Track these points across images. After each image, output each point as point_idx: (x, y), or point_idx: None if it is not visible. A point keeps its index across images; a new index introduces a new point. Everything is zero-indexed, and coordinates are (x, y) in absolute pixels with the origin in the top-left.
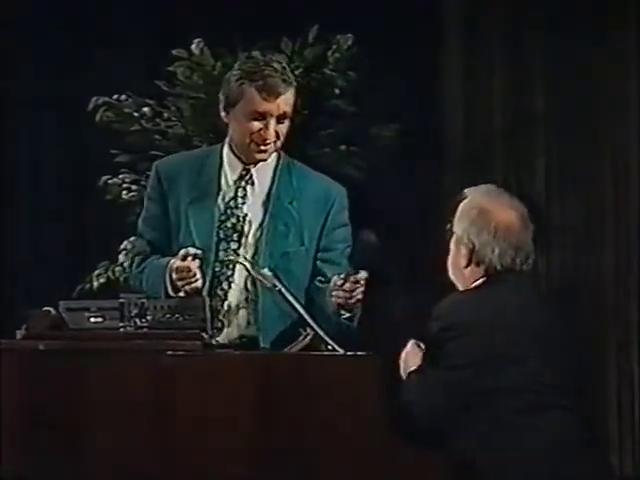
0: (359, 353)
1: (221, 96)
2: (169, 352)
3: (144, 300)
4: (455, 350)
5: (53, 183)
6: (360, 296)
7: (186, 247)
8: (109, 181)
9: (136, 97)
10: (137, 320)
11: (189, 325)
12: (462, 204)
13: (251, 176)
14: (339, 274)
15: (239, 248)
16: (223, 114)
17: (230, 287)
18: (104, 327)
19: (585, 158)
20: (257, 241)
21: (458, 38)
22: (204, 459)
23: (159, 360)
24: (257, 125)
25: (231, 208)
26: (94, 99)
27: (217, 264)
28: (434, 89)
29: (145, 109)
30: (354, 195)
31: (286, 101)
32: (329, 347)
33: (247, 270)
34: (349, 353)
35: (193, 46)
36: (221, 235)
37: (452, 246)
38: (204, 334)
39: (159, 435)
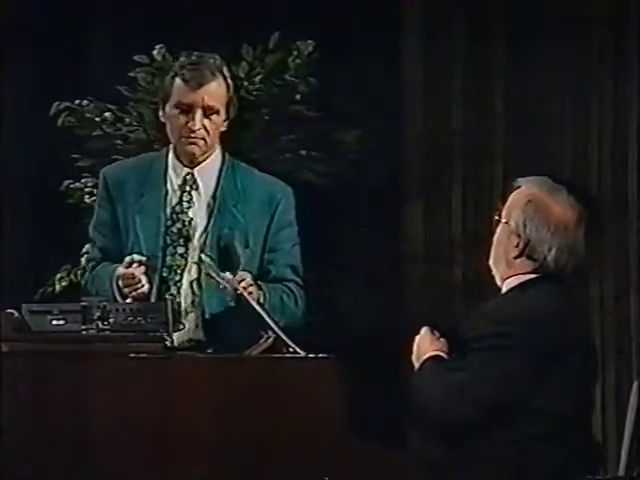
0: (320, 355)
1: (159, 97)
2: (131, 354)
3: (106, 303)
4: (502, 359)
5: (16, 186)
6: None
7: (132, 254)
8: (71, 185)
9: (98, 102)
10: (99, 323)
11: (151, 328)
12: (516, 193)
13: (195, 180)
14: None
15: (186, 252)
16: (161, 114)
17: (179, 292)
18: (66, 330)
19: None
20: (202, 245)
21: (418, 40)
22: (167, 462)
23: (121, 362)
24: (184, 118)
25: (177, 213)
26: (56, 104)
27: (165, 269)
28: (395, 93)
29: (107, 114)
30: (314, 199)
31: (212, 93)
32: (290, 349)
33: (209, 274)
34: (310, 355)
35: (155, 52)
36: (168, 240)
37: (501, 235)
38: (166, 337)
39: (121, 437)
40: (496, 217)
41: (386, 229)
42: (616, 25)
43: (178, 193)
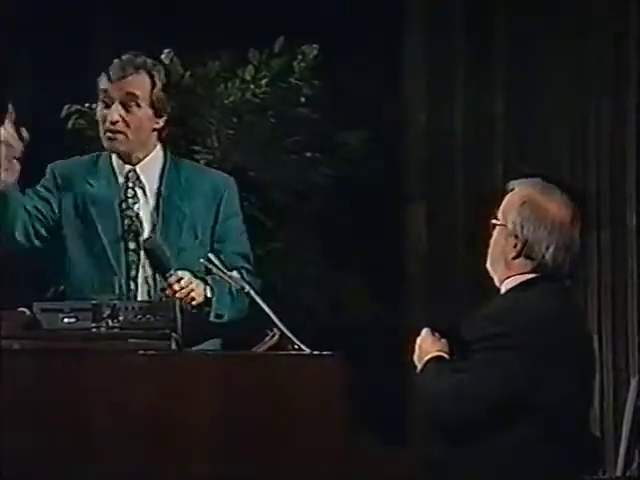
0: (324, 352)
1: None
2: (140, 352)
3: (116, 302)
4: (504, 359)
5: (25, 187)
6: (183, 295)
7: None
8: None
9: None
10: (109, 321)
11: (159, 326)
12: (510, 196)
13: (138, 177)
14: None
15: (138, 247)
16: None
17: (137, 287)
18: (77, 327)
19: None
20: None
21: (420, 42)
22: (175, 458)
23: (130, 360)
24: (105, 111)
25: (124, 210)
26: (66, 107)
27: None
28: (398, 95)
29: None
30: (319, 199)
31: (131, 84)
32: (295, 346)
33: (212, 272)
34: (315, 352)
35: (163, 56)
36: (124, 236)
37: (498, 238)
38: (174, 334)
39: (129, 433)
40: (492, 221)
41: (388, 229)
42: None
43: (123, 190)
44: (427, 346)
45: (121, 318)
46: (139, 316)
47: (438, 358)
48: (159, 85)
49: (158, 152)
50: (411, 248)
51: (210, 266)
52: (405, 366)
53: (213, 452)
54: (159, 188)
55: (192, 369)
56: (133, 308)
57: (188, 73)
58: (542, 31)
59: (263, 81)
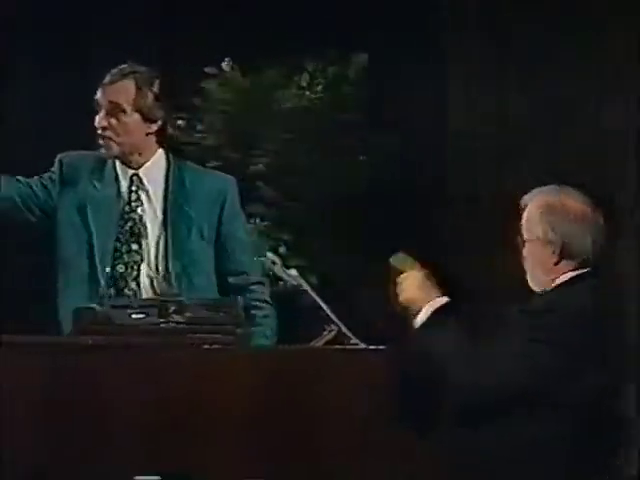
0: (378, 347)
1: None
2: (205, 346)
3: (182, 298)
4: (541, 352)
5: None
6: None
7: (80, 242)
8: None
9: (173, 112)
10: (175, 316)
11: (224, 321)
12: (528, 211)
13: (141, 180)
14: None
15: (140, 249)
16: None
17: (139, 287)
18: (145, 323)
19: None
20: (158, 243)
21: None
22: (234, 449)
23: (195, 354)
24: (96, 118)
25: (127, 212)
26: None
27: (121, 266)
28: (442, 102)
29: (180, 122)
30: (370, 201)
31: (114, 92)
32: (352, 342)
33: (272, 270)
34: (371, 347)
35: (224, 64)
36: (122, 238)
37: (533, 252)
38: (238, 329)
39: (194, 426)
40: (519, 241)
41: (432, 230)
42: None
43: (126, 193)
44: (425, 292)
45: (187, 314)
46: (204, 312)
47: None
48: (146, 92)
49: (160, 156)
50: (452, 249)
51: (269, 265)
52: None
53: (273, 443)
54: (165, 192)
55: (254, 363)
56: (198, 304)
57: (247, 80)
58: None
59: (318, 87)
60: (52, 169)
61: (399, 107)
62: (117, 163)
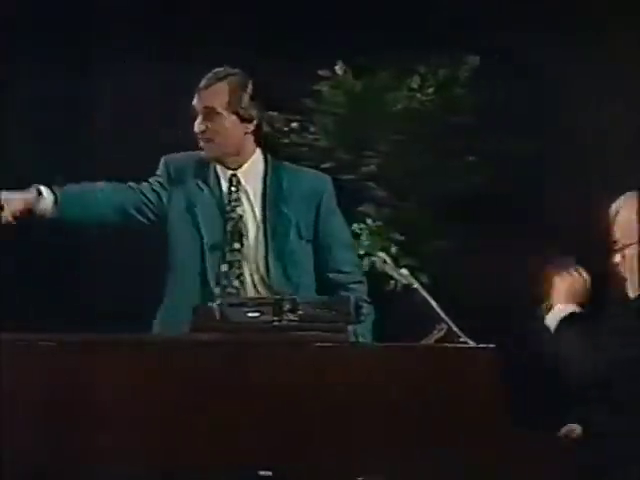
0: (488, 345)
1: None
2: (318, 344)
3: (296, 297)
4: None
5: None
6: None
7: (191, 242)
8: None
9: (286, 113)
10: (290, 315)
11: (336, 319)
12: (620, 221)
13: (239, 181)
14: None
15: (242, 248)
16: None
17: (242, 285)
18: (260, 321)
19: None
20: (258, 242)
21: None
22: (347, 446)
23: (308, 351)
24: (195, 123)
25: (227, 212)
26: None
27: (225, 264)
28: (561, 104)
29: (294, 124)
30: (481, 201)
31: (211, 95)
32: (461, 340)
33: (383, 269)
34: (481, 345)
35: (337, 67)
36: (225, 238)
37: (633, 254)
38: (349, 327)
39: (307, 420)
40: (616, 249)
41: (545, 231)
42: None
43: (226, 193)
44: (577, 291)
45: (300, 312)
46: (317, 310)
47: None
48: (240, 93)
49: (258, 156)
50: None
51: (381, 264)
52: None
53: (386, 439)
54: (263, 193)
55: (365, 360)
56: (311, 303)
57: (359, 83)
58: None
59: (429, 89)
60: (158, 172)
61: (510, 108)
62: (217, 164)
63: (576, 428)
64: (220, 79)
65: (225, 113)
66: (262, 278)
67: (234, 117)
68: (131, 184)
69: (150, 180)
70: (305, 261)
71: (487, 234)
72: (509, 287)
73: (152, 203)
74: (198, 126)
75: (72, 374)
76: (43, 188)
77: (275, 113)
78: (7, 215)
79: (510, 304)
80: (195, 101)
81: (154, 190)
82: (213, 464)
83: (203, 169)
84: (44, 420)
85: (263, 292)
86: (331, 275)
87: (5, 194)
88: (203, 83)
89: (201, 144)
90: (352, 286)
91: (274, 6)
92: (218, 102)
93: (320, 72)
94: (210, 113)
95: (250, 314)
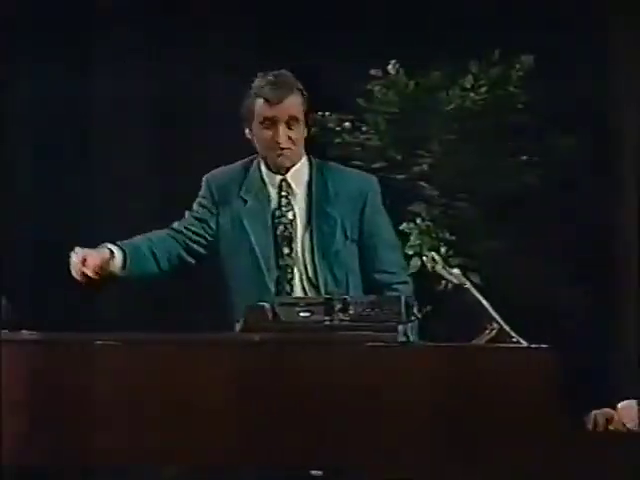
0: (541, 345)
1: (242, 115)
2: (368, 343)
3: (347, 296)
4: None
5: None
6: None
7: (245, 255)
8: None
9: (338, 113)
10: (340, 314)
11: (386, 319)
12: None
13: (290, 185)
14: None
15: (291, 253)
16: (246, 131)
17: (292, 290)
18: (312, 321)
19: None
20: (305, 244)
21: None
22: (394, 445)
23: (359, 351)
24: (269, 132)
25: (278, 217)
26: None
27: (277, 270)
28: (609, 103)
29: (346, 124)
30: (534, 201)
31: (291, 106)
32: (513, 339)
33: (434, 269)
34: (533, 345)
35: (389, 66)
36: (276, 243)
37: None
38: (400, 327)
39: (357, 420)
40: None
41: (599, 231)
42: None
43: (276, 198)
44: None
45: (351, 312)
46: (368, 309)
47: None
48: (305, 99)
49: (304, 159)
50: (621, 249)
51: (431, 264)
52: (613, 364)
53: (433, 439)
54: (309, 194)
55: (415, 360)
56: (362, 302)
57: (412, 82)
58: None
59: (482, 89)
60: (201, 193)
61: (563, 108)
62: (263, 170)
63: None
64: (292, 86)
65: (301, 121)
66: (310, 279)
67: (302, 124)
68: (175, 226)
69: (194, 208)
70: (351, 261)
71: (538, 234)
72: (560, 287)
73: (200, 236)
74: (282, 136)
75: (136, 374)
76: (114, 248)
77: (327, 113)
78: (89, 271)
79: (561, 304)
80: (270, 111)
81: (200, 219)
82: (264, 463)
83: (245, 178)
84: (119, 419)
85: (311, 293)
86: (377, 275)
87: (84, 250)
88: (277, 93)
89: (277, 153)
90: (397, 286)
91: (325, 6)
92: (298, 110)
93: (372, 71)
94: (293, 122)
95: (302, 314)
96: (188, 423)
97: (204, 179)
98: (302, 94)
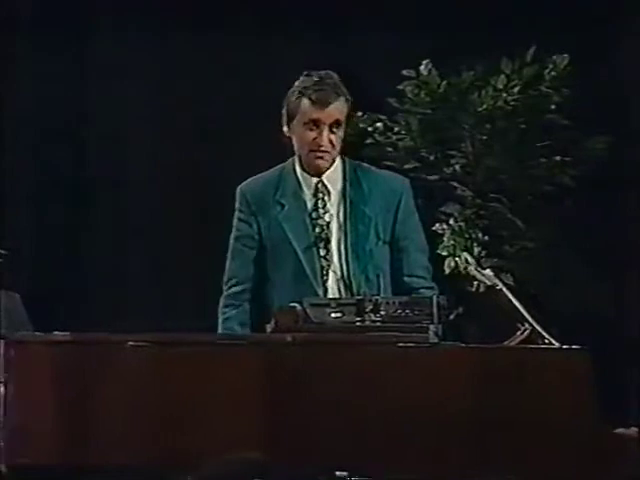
0: (574, 347)
1: (283, 112)
2: (399, 344)
3: (378, 297)
4: None
5: None
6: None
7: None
8: None
9: (370, 113)
10: (372, 315)
11: (417, 319)
12: None
13: (326, 186)
14: None
15: (327, 254)
16: (285, 129)
17: (325, 292)
18: (343, 321)
19: None
20: (339, 245)
21: None
22: (428, 448)
23: (390, 352)
24: (312, 134)
25: (314, 219)
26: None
27: (312, 272)
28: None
29: (378, 124)
30: (567, 201)
31: (337, 110)
32: (546, 341)
33: (467, 270)
34: (565, 347)
35: (421, 66)
36: (313, 245)
37: None
38: (432, 327)
39: (386, 419)
40: None
41: (633, 231)
42: None
43: (312, 200)
44: None
45: (382, 312)
46: (399, 310)
47: None
48: (350, 103)
49: (338, 160)
50: None
51: (464, 264)
52: None
53: (465, 441)
54: (344, 195)
55: (447, 361)
56: (394, 303)
57: (444, 83)
58: None
59: (515, 89)
60: (237, 207)
61: (597, 108)
62: (298, 172)
63: None
64: (338, 90)
65: (343, 125)
66: (344, 280)
67: (344, 127)
68: (233, 257)
69: (237, 220)
70: (382, 262)
71: (572, 234)
72: (593, 287)
73: (251, 238)
74: (325, 139)
75: (167, 374)
76: None
77: (359, 113)
78: None
79: (594, 304)
80: (316, 113)
81: (244, 221)
82: (295, 463)
83: (280, 183)
84: (150, 419)
85: (345, 294)
86: (407, 279)
87: None
88: (325, 98)
89: (316, 155)
90: (423, 291)
91: (357, 5)
92: (342, 114)
93: (404, 72)
94: (337, 126)
95: (333, 314)
96: (220, 423)
97: (238, 190)
98: (346, 98)
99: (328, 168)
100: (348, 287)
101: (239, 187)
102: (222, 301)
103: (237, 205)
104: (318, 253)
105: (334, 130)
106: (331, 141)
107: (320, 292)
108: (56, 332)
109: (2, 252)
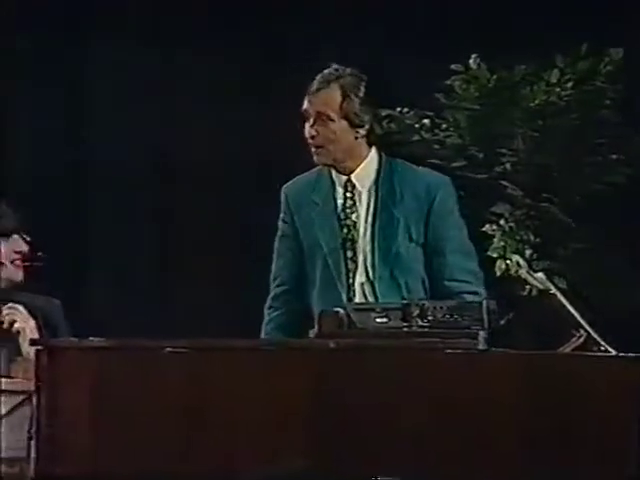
0: (631, 354)
1: None
2: (447, 350)
3: (425, 302)
4: None
5: None
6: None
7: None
8: None
9: (417, 110)
10: (418, 320)
11: (467, 325)
12: None
13: (354, 186)
14: None
15: (354, 256)
16: None
17: (353, 294)
18: (388, 327)
19: None
20: (365, 247)
21: None
22: (477, 456)
23: (438, 358)
24: (305, 127)
25: (342, 219)
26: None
27: (337, 273)
28: None
29: (425, 120)
30: (621, 200)
31: (321, 101)
32: (602, 348)
33: (518, 273)
34: (621, 354)
35: (470, 61)
36: (341, 246)
37: None
38: (481, 333)
39: (434, 427)
40: None
41: None
42: None
43: (342, 199)
44: None
45: (430, 317)
46: (447, 315)
47: None
48: (352, 97)
49: (372, 157)
50: None
51: (515, 267)
52: None
53: (515, 450)
54: (374, 194)
55: (497, 368)
56: (441, 308)
57: (494, 77)
58: None
59: (568, 84)
60: (282, 208)
61: None
62: (333, 171)
63: None
64: (332, 81)
65: (336, 118)
66: (370, 282)
67: (345, 122)
68: (277, 257)
69: (281, 221)
70: (413, 265)
71: (627, 235)
72: None
73: (291, 238)
74: (308, 131)
75: (206, 381)
76: None
77: (405, 109)
78: None
79: None
80: (305, 105)
81: (285, 221)
82: (340, 470)
83: (317, 181)
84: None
85: (370, 298)
86: (447, 283)
87: None
88: (315, 86)
89: (312, 150)
90: (465, 296)
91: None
92: (330, 107)
93: (453, 66)
94: (321, 118)
95: (378, 319)
96: (261, 431)
97: (282, 190)
98: (343, 90)
99: (355, 166)
100: (373, 289)
101: (283, 188)
102: (268, 301)
103: (282, 207)
104: (345, 254)
105: (323, 122)
106: (319, 133)
107: (344, 295)
108: (91, 338)
109: (43, 255)
